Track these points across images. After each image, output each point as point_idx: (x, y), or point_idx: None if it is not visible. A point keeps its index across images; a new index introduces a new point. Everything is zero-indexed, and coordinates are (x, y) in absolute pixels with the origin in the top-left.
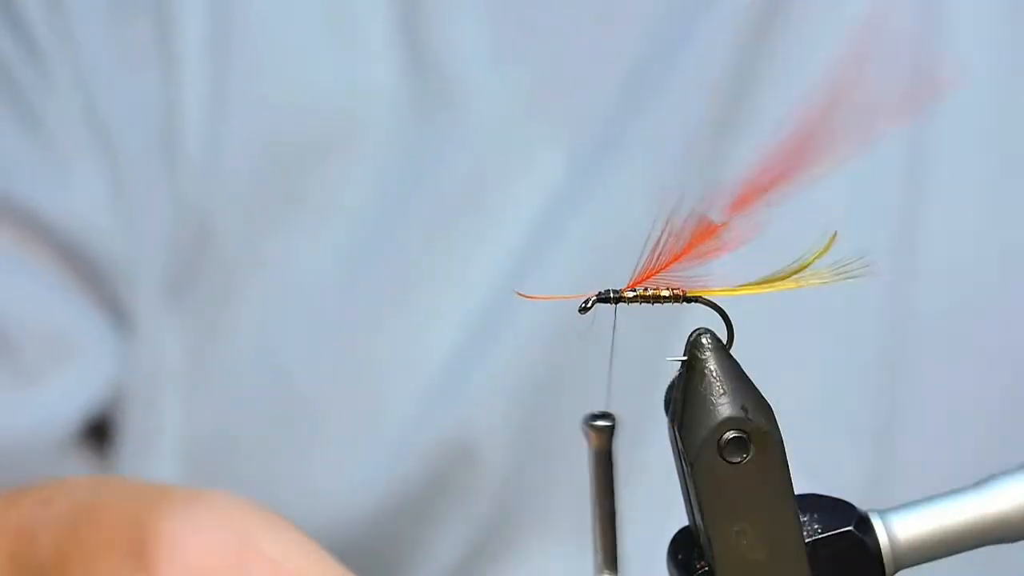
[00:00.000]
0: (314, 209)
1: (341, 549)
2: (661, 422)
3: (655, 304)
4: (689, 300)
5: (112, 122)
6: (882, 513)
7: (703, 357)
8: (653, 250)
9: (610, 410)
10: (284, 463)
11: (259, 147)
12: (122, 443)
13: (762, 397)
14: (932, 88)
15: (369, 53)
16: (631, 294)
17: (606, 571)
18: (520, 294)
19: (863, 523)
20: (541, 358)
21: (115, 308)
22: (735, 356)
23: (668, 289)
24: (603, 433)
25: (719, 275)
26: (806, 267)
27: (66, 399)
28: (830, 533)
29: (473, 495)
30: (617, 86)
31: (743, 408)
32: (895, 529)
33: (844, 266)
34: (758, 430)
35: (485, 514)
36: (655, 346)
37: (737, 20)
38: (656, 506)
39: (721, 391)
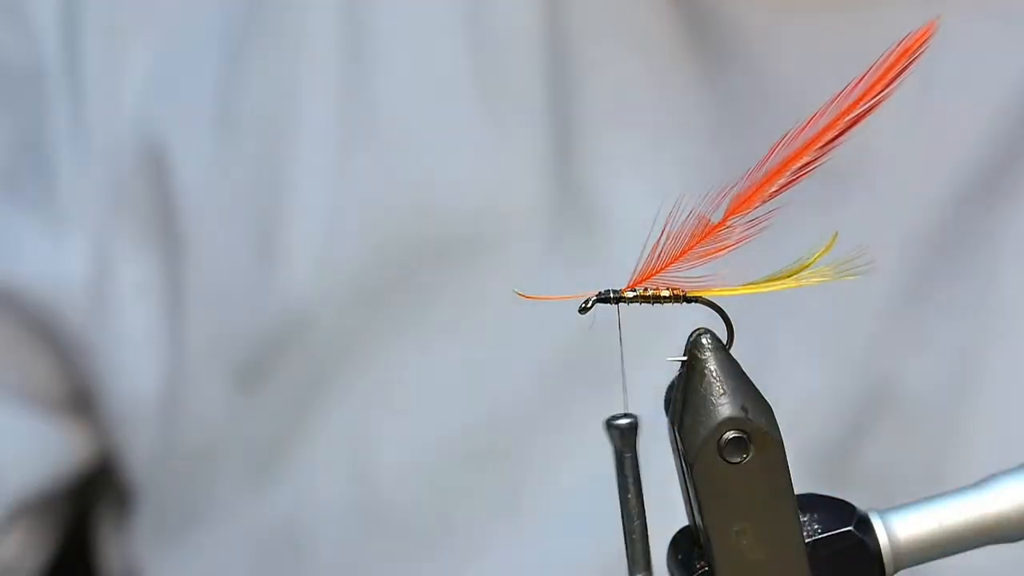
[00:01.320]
0: (425, 319)
1: None
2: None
3: (655, 304)
4: (689, 300)
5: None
6: (882, 513)
7: (703, 357)
8: (653, 250)
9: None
10: (354, 573)
11: (379, 242)
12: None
13: (762, 397)
14: (908, 50)
15: (518, 162)
16: (631, 294)
17: (641, 572)
18: (519, 294)
19: (863, 523)
20: None
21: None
22: (735, 356)
23: (668, 289)
24: (626, 431)
25: (719, 275)
26: (807, 267)
27: None
28: (830, 533)
29: None
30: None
31: (743, 408)
32: (895, 529)
33: (845, 265)
34: (758, 430)
35: None
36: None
37: None
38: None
39: (721, 391)
